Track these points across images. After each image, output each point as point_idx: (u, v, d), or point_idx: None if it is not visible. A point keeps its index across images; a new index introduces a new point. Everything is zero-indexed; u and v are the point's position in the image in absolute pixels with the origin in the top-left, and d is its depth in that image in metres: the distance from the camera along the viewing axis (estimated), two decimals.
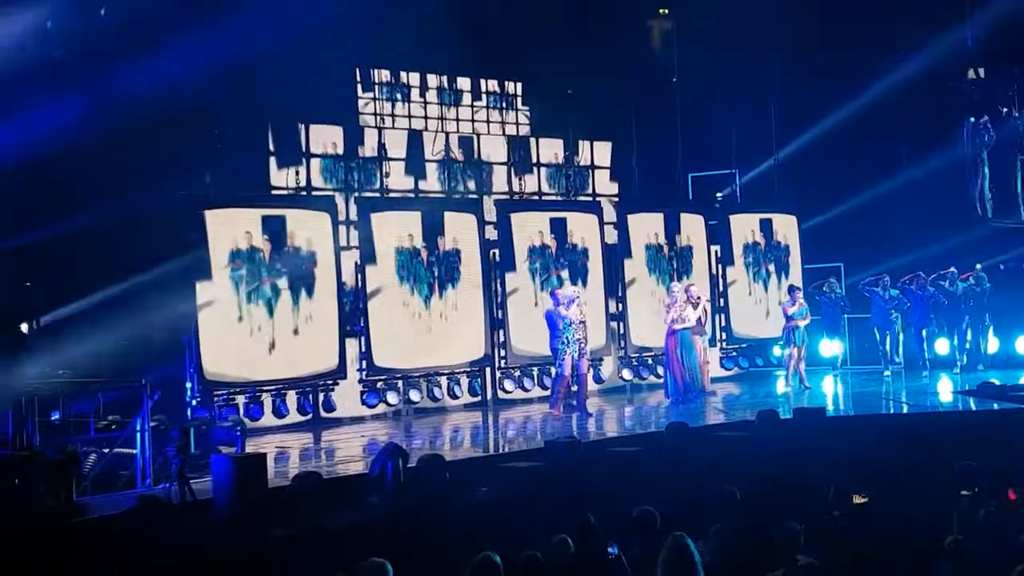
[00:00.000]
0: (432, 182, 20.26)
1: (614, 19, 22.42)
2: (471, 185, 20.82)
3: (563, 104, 21.63)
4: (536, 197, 21.57)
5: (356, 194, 19.05)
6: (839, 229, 23.40)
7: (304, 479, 11.65)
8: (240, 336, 17.00)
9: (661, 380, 19.61)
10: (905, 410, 17.46)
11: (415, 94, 20.57)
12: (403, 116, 20.35)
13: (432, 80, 20.78)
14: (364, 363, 18.47)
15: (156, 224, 15.93)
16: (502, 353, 20.00)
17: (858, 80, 22.82)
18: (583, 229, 21.12)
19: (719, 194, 24.15)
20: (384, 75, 20.19)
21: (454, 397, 19.43)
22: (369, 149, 19.52)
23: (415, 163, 20.01)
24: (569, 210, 21.31)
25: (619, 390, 21.19)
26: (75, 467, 11.37)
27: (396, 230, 18.87)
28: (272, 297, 17.33)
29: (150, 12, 15.75)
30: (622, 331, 21.45)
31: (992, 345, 21.64)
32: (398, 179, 19.79)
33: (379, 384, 18.65)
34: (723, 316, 23.06)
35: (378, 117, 19.94)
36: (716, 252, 23.13)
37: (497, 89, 21.65)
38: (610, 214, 21.81)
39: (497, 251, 20.14)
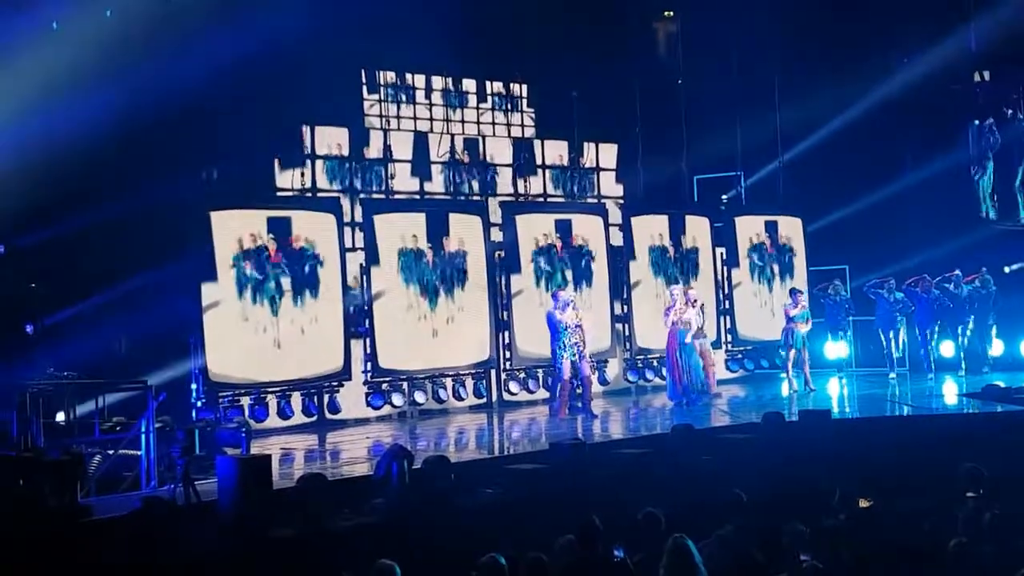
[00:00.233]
0: (437, 184, 20.25)
1: (619, 21, 22.42)
2: (476, 187, 20.80)
3: (568, 106, 21.63)
4: (541, 199, 21.57)
5: (361, 195, 19.04)
6: (844, 231, 23.37)
7: (309, 480, 11.64)
8: (245, 337, 17.00)
9: (666, 382, 19.60)
10: (909, 412, 17.46)
11: (420, 96, 20.58)
12: (408, 118, 20.35)
13: (437, 82, 20.78)
14: (369, 365, 18.48)
15: (161, 225, 15.95)
16: (507, 355, 20.00)
17: (863, 82, 22.83)
18: (588, 231, 21.12)
19: (724, 196, 24.13)
20: (390, 76, 20.18)
21: (459, 399, 19.43)
22: (375, 151, 19.51)
23: (421, 165, 20.00)
24: (574, 212, 21.31)
25: (624, 392, 21.18)
26: (79, 468, 11.37)
27: (401, 232, 18.88)
28: (277, 298, 17.33)
29: (155, 13, 15.77)
30: (627, 333, 21.44)
31: (997, 348, 21.62)
32: (403, 181, 19.78)
33: (384, 386, 18.65)
34: (728, 318, 23.04)
35: (383, 119, 19.94)
36: (721, 254, 23.11)
37: (502, 91, 21.64)
38: (615, 216, 21.80)
39: (502, 253, 20.15)
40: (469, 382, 19.60)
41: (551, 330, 17.81)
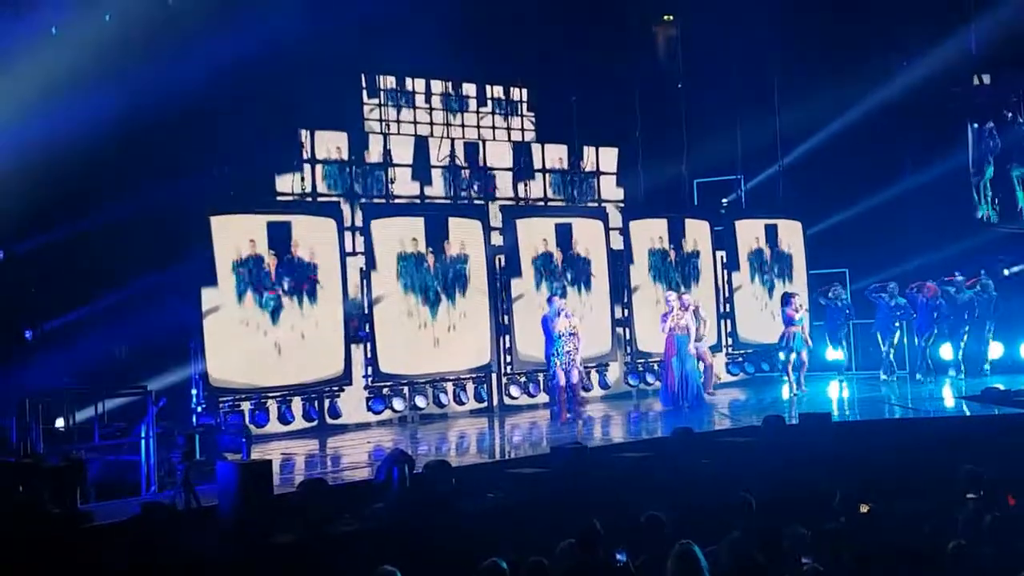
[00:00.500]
0: (438, 188, 20.24)
1: (619, 25, 22.43)
2: (476, 191, 20.79)
3: (568, 110, 21.63)
4: (542, 203, 21.56)
5: (362, 200, 19.03)
6: (844, 234, 23.37)
7: (310, 486, 11.64)
8: (245, 342, 16.99)
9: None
10: (909, 415, 17.45)
11: (420, 100, 20.58)
12: (409, 122, 20.36)
13: (437, 86, 20.79)
14: (370, 369, 18.47)
15: (161, 230, 15.95)
16: (508, 359, 20.00)
17: (862, 86, 22.83)
18: (589, 235, 21.12)
19: (724, 200, 24.13)
20: (390, 81, 20.19)
21: (460, 403, 19.42)
22: (375, 155, 19.50)
23: (421, 169, 20.00)
24: (575, 216, 21.32)
25: (625, 396, 21.18)
26: (79, 474, 11.37)
27: (402, 236, 18.88)
28: (277, 303, 17.32)
29: (155, 17, 15.78)
30: (628, 337, 21.44)
31: (996, 351, 21.60)
32: (404, 185, 19.77)
33: (385, 390, 18.64)
34: (729, 321, 23.05)
35: (383, 123, 19.94)
36: (722, 257, 23.12)
37: (502, 95, 21.64)
38: (616, 220, 21.80)
39: (503, 257, 20.15)
40: (470, 386, 19.60)
41: (546, 336, 17.89)
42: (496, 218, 20.34)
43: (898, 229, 22.77)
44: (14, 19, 14.95)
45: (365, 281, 18.48)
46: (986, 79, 23.56)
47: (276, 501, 11.29)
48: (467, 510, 11.81)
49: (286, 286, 17.40)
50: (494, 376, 19.88)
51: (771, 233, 23.65)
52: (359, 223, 18.70)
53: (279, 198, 18.27)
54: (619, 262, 21.49)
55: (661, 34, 24.37)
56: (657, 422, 17.75)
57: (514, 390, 19.96)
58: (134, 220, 15.33)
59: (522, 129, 21.79)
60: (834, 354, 22.09)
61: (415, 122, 20.43)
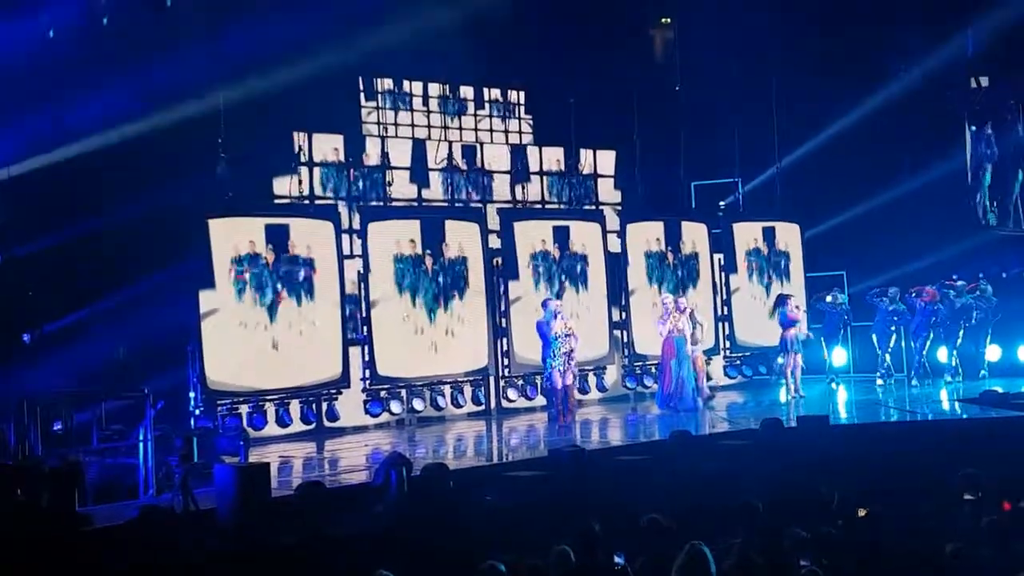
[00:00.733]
0: (435, 191, 20.23)
1: (617, 27, 22.41)
2: (474, 194, 20.79)
3: (566, 112, 21.63)
4: (539, 205, 21.56)
5: (359, 203, 19.02)
6: (842, 237, 23.36)
7: (307, 488, 11.65)
8: (243, 345, 16.99)
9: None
10: (907, 418, 17.45)
11: (418, 103, 20.57)
12: (406, 125, 20.34)
13: (434, 89, 20.77)
14: (367, 372, 18.46)
15: (159, 233, 15.93)
16: (505, 362, 19.99)
17: (860, 88, 22.81)
18: (586, 238, 21.12)
19: (722, 202, 24.12)
20: (387, 84, 20.18)
21: (457, 406, 19.42)
22: (372, 158, 19.49)
23: (418, 172, 19.99)
24: (572, 219, 21.31)
25: (622, 398, 21.18)
26: (77, 477, 11.36)
27: (399, 238, 18.87)
28: (275, 306, 17.31)
29: (152, 20, 15.77)
30: (625, 339, 21.44)
31: (994, 353, 21.58)
32: (401, 188, 19.76)
33: (382, 393, 18.64)
34: (727, 324, 23.04)
35: (381, 126, 19.93)
36: (719, 260, 23.11)
37: (500, 98, 21.63)
38: (613, 223, 21.80)
39: (500, 259, 20.14)
40: (468, 389, 19.60)
41: (542, 340, 17.89)
42: (493, 220, 20.33)
43: (896, 232, 22.72)
44: (11, 22, 14.92)
45: (362, 284, 18.48)
46: (984, 82, 23.54)
47: (274, 504, 11.28)
48: (465, 513, 11.80)
49: (284, 281, 17.39)
50: (492, 379, 19.88)
51: (769, 235, 23.65)
52: (356, 226, 18.69)
53: (277, 200, 18.28)
54: (616, 265, 21.49)
55: (659, 37, 24.36)
56: (655, 425, 17.75)
57: (512, 393, 19.96)
58: (132, 223, 15.30)
59: (520, 132, 21.79)
60: (836, 358, 22.03)
61: (413, 125, 20.41)
